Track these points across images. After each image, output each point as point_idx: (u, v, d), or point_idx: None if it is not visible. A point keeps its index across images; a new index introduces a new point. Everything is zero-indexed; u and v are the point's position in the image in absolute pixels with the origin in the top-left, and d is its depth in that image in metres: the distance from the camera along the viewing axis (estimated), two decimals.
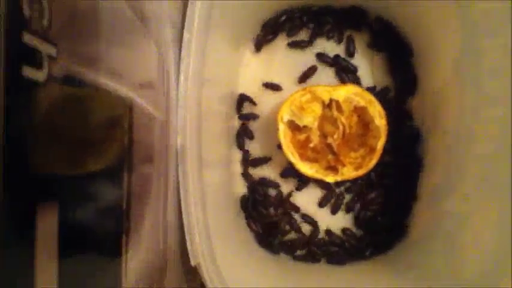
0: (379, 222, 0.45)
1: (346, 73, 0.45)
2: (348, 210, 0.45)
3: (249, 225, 0.45)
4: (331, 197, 0.45)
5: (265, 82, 0.46)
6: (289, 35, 0.46)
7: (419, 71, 0.44)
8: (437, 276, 0.36)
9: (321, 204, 0.45)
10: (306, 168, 0.42)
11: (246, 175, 0.45)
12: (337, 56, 0.45)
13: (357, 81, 0.45)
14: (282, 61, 0.46)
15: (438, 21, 0.39)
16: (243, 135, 0.46)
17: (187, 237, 0.33)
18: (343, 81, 0.45)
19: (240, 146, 0.46)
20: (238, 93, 0.46)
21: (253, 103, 0.46)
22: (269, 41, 0.46)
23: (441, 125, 0.41)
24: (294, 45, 0.45)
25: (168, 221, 0.33)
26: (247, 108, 0.46)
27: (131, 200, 0.26)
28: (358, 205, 0.45)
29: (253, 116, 0.46)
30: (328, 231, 0.45)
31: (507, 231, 0.31)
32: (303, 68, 0.45)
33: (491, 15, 0.33)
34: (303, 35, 0.46)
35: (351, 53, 0.45)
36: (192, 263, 0.33)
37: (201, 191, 0.34)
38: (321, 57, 0.45)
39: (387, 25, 0.45)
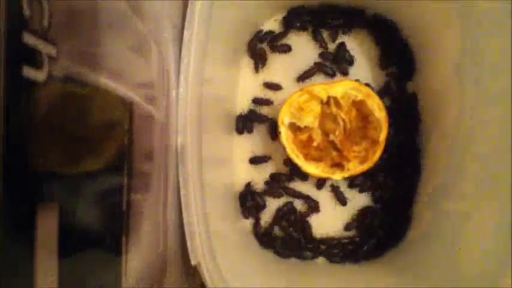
0: (379, 222, 0.45)
1: (344, 64, 0.45)
2: (361, 191, 0.45)
3: (243, 214, 0.45)
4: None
5: (265, 82, 0.46)
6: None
7: (419, 70, 0.44)
8: (437, 276, 0.36)
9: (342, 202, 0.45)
10: (312, 169, 0.42)
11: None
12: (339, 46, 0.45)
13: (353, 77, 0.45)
14: (282, 61, 0.46)
15: (438, 21, 0.39)
16: (240, 122, 0.45)
17: (187, 237, 0.33)
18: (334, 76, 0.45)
19: (239, 130, 0.46)
20: (238, 93, 0.46)
21: (268, 103, 0.46)
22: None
23: (441, 125, 0.41)
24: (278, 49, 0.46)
25: (168, 220, 0.33)
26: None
27: (131, 200, 0.26)
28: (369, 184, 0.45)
29: (268, 102, 0.45)
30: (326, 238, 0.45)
31: (507, 231, 0.31)
32: (304, 67, 0.46)
33: (491, 15, 0.33)
34: (300, 36, 0.46)
35: (349, 61, 0.45)
36: (192, 262, 0.33)
37: (201, 190, 0.34)
38: (322, 56, 0.45)
39: (386, 23, 0.45)
